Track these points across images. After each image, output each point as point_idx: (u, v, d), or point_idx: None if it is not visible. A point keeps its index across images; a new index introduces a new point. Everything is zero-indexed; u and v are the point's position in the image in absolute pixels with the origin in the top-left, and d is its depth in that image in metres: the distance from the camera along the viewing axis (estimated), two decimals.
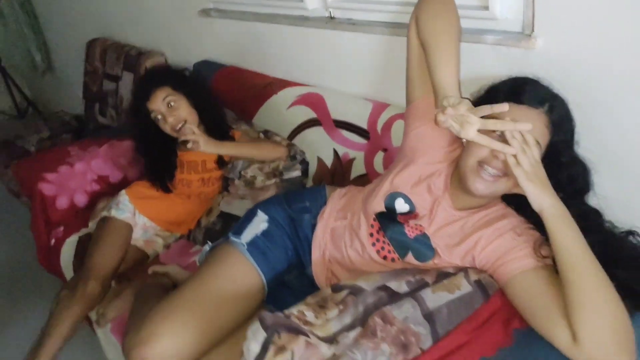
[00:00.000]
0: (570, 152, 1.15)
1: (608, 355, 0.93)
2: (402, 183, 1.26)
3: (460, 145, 1.21)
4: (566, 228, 1.00)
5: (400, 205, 1.26)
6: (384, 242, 1.27)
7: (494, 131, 1.07)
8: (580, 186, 1.15)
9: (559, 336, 0.97)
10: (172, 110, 1.72)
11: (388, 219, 1.27)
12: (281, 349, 0.94)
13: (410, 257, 1.23)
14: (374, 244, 1.28)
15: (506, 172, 1.07)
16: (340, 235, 1.36)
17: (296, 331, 0.96)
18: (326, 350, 0.97)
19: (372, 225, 1.29)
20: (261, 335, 0.95)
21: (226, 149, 1.75)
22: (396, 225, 1.25)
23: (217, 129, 1.80)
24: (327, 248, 1.38)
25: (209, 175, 1.85)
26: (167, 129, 1.74)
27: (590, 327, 0.93)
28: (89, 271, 1.67)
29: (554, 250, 1.01)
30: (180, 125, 1.72)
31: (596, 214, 1.14)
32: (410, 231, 1.23)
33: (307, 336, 0.97)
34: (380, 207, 1.28)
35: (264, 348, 0.94)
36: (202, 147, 1.64)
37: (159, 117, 1.73)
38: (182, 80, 1.80)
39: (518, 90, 1.11)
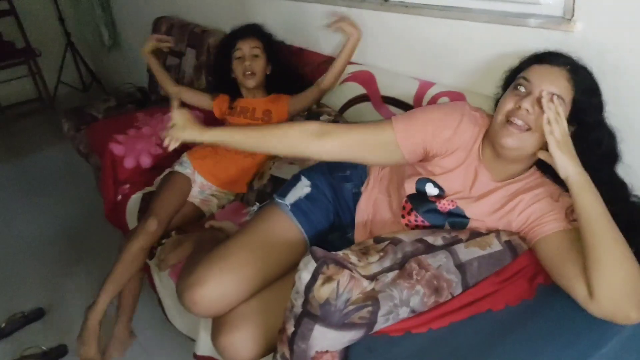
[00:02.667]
0: (598, 117, 1.20)
1: (620, 309, 1.03)
2: (431, 172, 1.35)
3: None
4: (588, 194, 1.09)
5: (430, 189, 1.34)
6: (416, 220, 1.36)
7: (519, 91, 1.19)
8: (607, 151, 1.21)
9: (578, 290, 1.08)
10: (252, 59, 2.00)
11: (419, 200, 1.35)
12: (328, 279, 1.06)
13: (447, 228, 1.33)
14: (407, 225, 1.37)
15: (530, 127, 1.16)
16: (382, 208, 1.46)
17: (342, 265, 1.10)
18: (367, 284, 1.10)
19: (403, 207, 1.38)
20: (312, 265, 1.08)
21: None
22: (428, 203, 1.34)
23: (277, 88, 2.08)
24: (369, 219, 1.48)
25: (254, 123, 2.05)
26: (239, 69, 2.01)
27: (605, 283, 1.03)
28: (149, 211, 1.86)
29: (577, 213, 1.11)
30: (248, 73, 1.99)
31: (623, 186, 1.22)
32: (442, 207, 1.32)
33: (351, 271, 1.10)
34: (412, 190, 1.36)
35: (314, 277, 1.07)
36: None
37: (240, 56, 2.01)
38: (272, 47, 2.07)
39: (541, 55, 1.22)
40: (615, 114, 1.22)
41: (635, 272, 1.05)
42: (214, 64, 2.21)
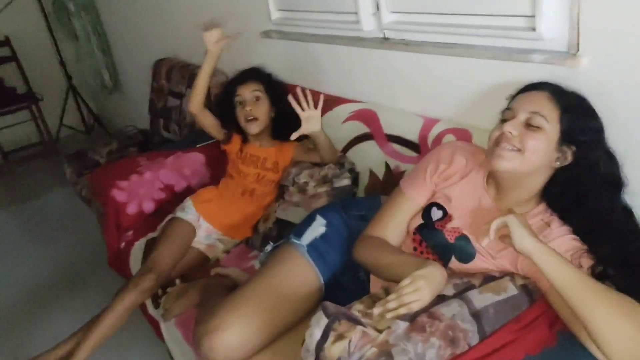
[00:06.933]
0: (594, 138, 1.18)
1: None
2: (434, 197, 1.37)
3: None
4: (551, 262, 1.05)
5: (435, 213, 1.35)
6: (427, 252, 1.35)
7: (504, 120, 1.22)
8: (607, 175, 1.18)
9: (592, 349, 1.04)
10: (254, 104, 1.94)
11: (427, 229, 1.35)
12: (340, 337, 1.03)
13: (454, 262, 1.30)
14: (421, 254, 1.36)
15: (518, 148, 1.17)
16: None
17: (355, 321, 1.05)
18: (380, 338, 1.05)
19: (414, 240, 1.38)
20: (323, 322, 1.04)
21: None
22: (435, 233, 1.33)
23: (283, 134, 1.96)
24: None
25: (264, 173, 2.00)
26: (241, 115, 1.96)
27: (606, 345, 0.99)
28: (149, 264, 1.81)
29: (549, 282, 1.07)
30: (250, 118, 1.94)
31: (627, 213, 1.19)
32: (449, 236, 1.31)
33: (364, 327, 1.06)
34: (419, 221, 1.37)
35: (325, 334, 1.04)
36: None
37: (241, 102, 1.96)
38: (274, 88, 2.02)
39: (526, 85, 1.26)
40: (623, 147, 1.20)
41: (634, 325, 0.98)
42: (218, 112, 2.11)
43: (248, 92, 1.95)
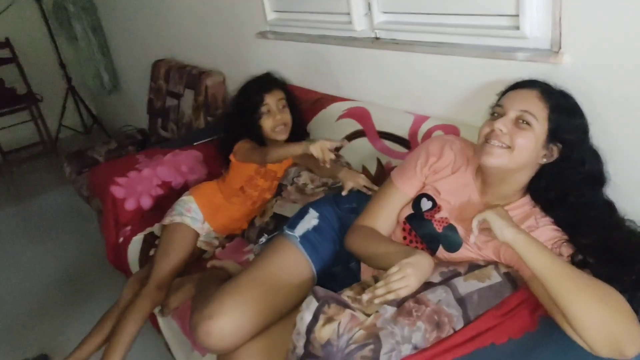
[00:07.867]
0: (580, 136, 1.23)
1: (611, 349, 1.01)
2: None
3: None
4: (531, 250, 1.10)
5: (424, 203, 1.39)
6: (416, 241, 1.40)
7: (494, 117, 1.25)
8: (591, 172, 1.22)
9: (573, 335, 1.08)
10: (281, 112, 1.91)
11: (417, 219, 1.40)
12: (330, 319, 1.07)
13: (441, 251, 1.35)
14: (409, 244, 1.41)
15: (508, 145, 1.20)
16: None
17: (344, 305, 1.10)
18: (369, 321, 1.10)
19: (404, 229, 1.43)
20: (313, 305, 1.08)
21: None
22: (425, 223, 1.38)
23: (292, 139, 1.96)
24: None
25: (276, 183, 2.02)
26: (269, 123, 1.90)
27: (583, 330, 1.03)
28: (158, 280, 1.80)
29: (530, 270, 1.12)
30: (278, 128, 1.89)
31: (609, 206, 1.23)
32: (438, 225, 1.36)
33: (353, 311, 1.11)
34: (409, 211, 1.42)
35: (315, 317, 1.08)
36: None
37: (268, 110, 1.90)
38: (291, 94, 2.00)
39: (515, 84, 1.29)
40: (604, 142, 1.24)
41: (610, 310, 1.03)
42: (238, 119, 1.97)
43: (274, 101, 1.90)
